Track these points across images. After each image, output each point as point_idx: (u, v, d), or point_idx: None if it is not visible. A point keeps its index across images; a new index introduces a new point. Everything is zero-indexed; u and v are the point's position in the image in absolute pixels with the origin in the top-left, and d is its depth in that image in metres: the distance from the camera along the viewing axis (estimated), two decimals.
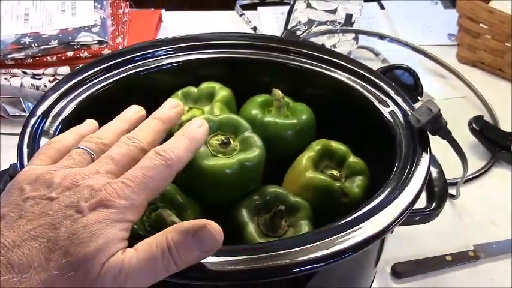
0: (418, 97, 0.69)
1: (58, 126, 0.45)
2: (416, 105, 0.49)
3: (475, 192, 0.72)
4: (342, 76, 0.53)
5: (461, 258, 0.62)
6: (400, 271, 0.61)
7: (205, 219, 0.33)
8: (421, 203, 0.48)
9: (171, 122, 0.40)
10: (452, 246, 0.64)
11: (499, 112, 0.84)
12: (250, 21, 1.02)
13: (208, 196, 0.45)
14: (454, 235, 0.66)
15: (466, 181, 0.73)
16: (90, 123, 0.40)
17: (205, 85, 0.53)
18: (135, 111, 0.41)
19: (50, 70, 0.79)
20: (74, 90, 0.48)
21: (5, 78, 0.78)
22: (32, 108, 0.45)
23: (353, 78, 0.53)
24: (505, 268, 0.62)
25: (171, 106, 0.41)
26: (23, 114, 0.75)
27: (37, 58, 0.79)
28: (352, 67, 0.54)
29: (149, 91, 0.52)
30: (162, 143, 0.37)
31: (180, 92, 0.52)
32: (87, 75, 0.49)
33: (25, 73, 0.79)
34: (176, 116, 0.41)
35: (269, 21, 1.03)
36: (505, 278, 0.61)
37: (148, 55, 0.52)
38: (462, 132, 0.78)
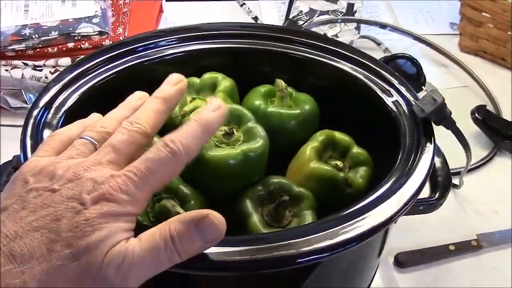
0: (422, 87, 0.68)
1: (61, 117, 0.45)
2: (420, 95, 0.49)
3: (477, 181, 0.72)
4: (345, 66, 0.53)
5: (464, 248, 0.63)
6: (403, 261, 0.61)
7: (208, 209, 0.33)
8: (425, 192, 0.48)
9: (173, 101, 0.38)
10: (455, 236, 0.64)
11: (501, 101, 0.83)
12: (251, 11, 1.02)
13: (211, 187, 0.45)
14: (457, 225, 0.66)
15: (469, 171, 0.73)
16: (96, 116, 0.39)
17: (207, 75, 0.53)
18: (138, 97, 0.39)
19: (51, 61, 0.78)
20: (77, 81, 0.47)
21: (6, 70, 0.78)
22: (34, 99, 0.45)
23: (356, 67, 0.53)
24: (507, 257, 0.63)
25: (173, 83, 0.38)
26: (25, 105, 0.75)
27: (38, 49, 0.78)
28: (355, 56, 0.53)
29: (151, 82, 0.52)
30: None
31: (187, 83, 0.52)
32: (90, 66, 0.49)
33: (26, 64, 0.78)
34: (178, 94, 0.38)
35: (270, 11, 1.03)
36: (507, 267, 0.61)
37: (151, 45, 0.52)
38: (464, 122, 0.78)
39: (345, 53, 0.54)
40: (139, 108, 0.37)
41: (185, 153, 0.33)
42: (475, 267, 0.62)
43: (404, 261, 0.61)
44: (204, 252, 0.34)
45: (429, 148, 0.44)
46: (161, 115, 0.36)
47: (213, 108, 0.36)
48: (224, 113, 0.37)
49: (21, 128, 0.43)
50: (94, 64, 0.49)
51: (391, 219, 0.37)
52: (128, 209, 0.31)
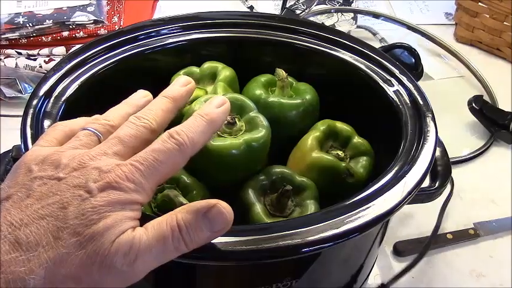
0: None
1: (61, 107, 0.44)
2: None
3: (475, 171, 0.73)
4: (346, 55, 0.53)
5: (462, 236, 0.63)
6: (401, 250, 0.61)
7: (216, 199, 0.33)
8: (425, 182, 0.48)
9: (182, 101, 0.38)
10: (452, 225, 0.65)
11: (498, 91, 0.84)
12: (246, 0, 1.01)
13: (214, 177, 0.44)
14: (454, 213, 0.66)
15: (466, 160, 0.73)
16: (98, 115, 0.39)
17: (207, 64, 0.52)
18: (142, 95, 0.39)
19: (45, 50, 0.77)
20: (76, 70, 0.47)
21: (0, 59, 0.77)
22: (33, 88, 0.44)
23: (357, 57, 0.52)
24: (505, 246, 0.63)
25: (182, 84, 0.39)
26: (19, 95, 0.74)
27: (32, 38, 0.77)
28: (355, 46, 0.53)
29: (151, 71, 0.52)
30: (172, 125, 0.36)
31: (182, 72, 0.52)
32: (89, 55, 0.48)
33: (20, 53, 0.77)
34: (187, 94, 0.39)
35: (266, 0, 1.02)
36: (505, 256, 0.62)
37: (150, 34, 0.52)
38: (461, 112, 0.78)
39: (346, 42, 0.54)
40: (148, 105, 0.37)
41: (191, 145, 0.33)
42: (473, 255, 0.62)
43: (403, 250, 0.61)
44: (211, 242, 0.34)
45: (431, 137, 0.44)
46: (169, 114, 0.37)
47: (218, 104, 0.37)
48: (228, 109, 0.38)
49: (16, 118, 0.42)
50: (93, 53, 0.49)
51: (396, 208, 0.37)
52: (134, 197, 0.31)
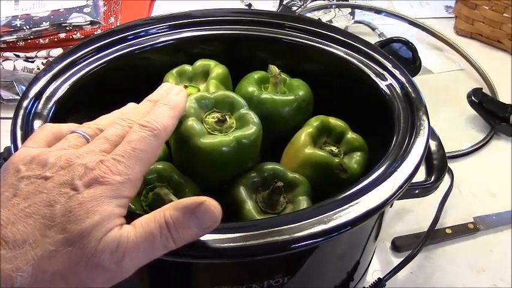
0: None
1: (51, 107, 0.44)
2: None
3: (474, 164, 0.72)
4: (339, 50, 0.52)
5: (461, 231, 0.63)
6: (399, 245, 0.61)
7: (205, 196, 0.33)
8: (421, 176, 0.47)
9: (182, 107, 0.39)
10: (451, 219, 0.64)
11: (498, 84, 0.83)
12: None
13: (205, 175, 0.44)
14: (454, 208, 0.66)
15: (466, 154, 0.73)
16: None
17: (200, 63, 0.52)
18: (131, 108, 0.40)
19: (43, 52, 0.78)
20: (67, 71, 0.47)
21: None
22: (24, 90, 0.44)
23: (350, 52, 0.52)
24: (505, 239, 0.63)
25: (175, 92, 0.40)
26: (17, 98, 0.75)
27: (29, 40, 0.78)
28: (348, 41, 0.53)
29: (143, 70, 0.52)
30: None
31: (174, 71, 0.52)
32: (80, 56, 0.48)
33: (18, 56, 0.78)
34: (184, 101, 0.40)
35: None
36: (505, 250, 0.61)
37: (141, 33, 0.51)
38: (460, 105, 0.78)
39: (338, 37, 0.53)
40: (131, 108, 0.38)
41: (163, 130, 0.35)
42: (473, 250, 0.62)
43: (401, 245, 0.61)
44: (199, 239, 0.33)
45: (424, 131, 0.44)
46: (171, 120, 0.37)
47: (177, 91, 0.39)
48: (186, 95, 0.40)
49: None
50: (84, 53, 0.49)
51: (385, 203, 0.37)
52: (121, 190, 0.31)
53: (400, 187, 0.38)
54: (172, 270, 0.40)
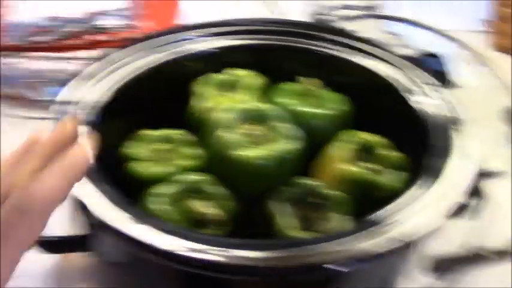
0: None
1: (90, 112, 0.43)
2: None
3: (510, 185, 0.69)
4: (370, 63, 0.52)
5: (498, 255, 0.60)
6: (437, 267, 0.58)
7: None
8: None
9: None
10: (487, 242, 0.62)
11: None
12: (273, 6, 1.00)
13: (240, 186, 0.43)
14: (490, 230, 0.63)
15: (502, 173, 0.70)
16: None
17: (231, 72, 0.51)
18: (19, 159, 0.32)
19: (71, 54, 0.77)
20: (102, 76, 0.46)
21: (25, 62, 0.77)
22: (56, 93, 0.44)
23: (382, 64, 0.51)
24: None
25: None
26: (44, 98, 0.74)
27: (58, 41, 0.77)
28: (380, 53, 0.52)
29: (180, 77, 0.51)
30: None
31: (207, 79, 0.51)
32: (115, 61, 0.48)
33: (46, 57, 0.77)
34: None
35: (294, 6, 1.00)
36: None
37: (179, 40, 0.51)
38: (494, 123, 0.75)
39: (370, 49, 0.53)
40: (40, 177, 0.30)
41: (41, 212, 0.29)
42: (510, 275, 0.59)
43: (439, 267, 0.58)
44: (229, 255, 0.33)
45: (464, 150, 0.42)
46: (60, 193, 0.30)
47: (79, 149, 0.32)
48: (89, 153, 0.32)
49: (39, 121, 0.42)
50: (120, 58, 0.48)
51: (437, 228, 0.35)
52: None
53: (450, 210, 0.36)
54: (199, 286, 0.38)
